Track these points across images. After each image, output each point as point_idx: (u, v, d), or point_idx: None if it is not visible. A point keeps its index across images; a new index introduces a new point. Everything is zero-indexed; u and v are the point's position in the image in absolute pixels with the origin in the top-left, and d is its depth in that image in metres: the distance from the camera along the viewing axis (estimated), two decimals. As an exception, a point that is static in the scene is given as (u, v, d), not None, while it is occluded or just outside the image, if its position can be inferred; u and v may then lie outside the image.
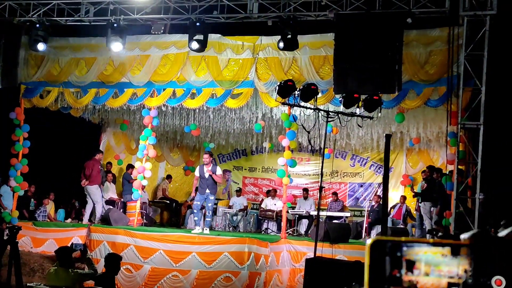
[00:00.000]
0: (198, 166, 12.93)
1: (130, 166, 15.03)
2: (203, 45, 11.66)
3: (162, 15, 12.29)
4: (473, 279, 1.52)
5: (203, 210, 12.73)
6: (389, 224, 13.93)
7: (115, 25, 11.93)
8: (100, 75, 12.99)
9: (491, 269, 1.52)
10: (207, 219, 12.37)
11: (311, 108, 8.97)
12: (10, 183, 13.32)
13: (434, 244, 1.54)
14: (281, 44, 11.19)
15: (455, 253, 1.52)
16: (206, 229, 12.19)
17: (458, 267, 1.51)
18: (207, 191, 12.30)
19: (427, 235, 12.34)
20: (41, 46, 12.43)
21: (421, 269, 1.52)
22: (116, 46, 12.04)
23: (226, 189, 17.16)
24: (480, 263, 1.51)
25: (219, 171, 12.53)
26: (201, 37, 11.57)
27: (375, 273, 1.57)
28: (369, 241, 1.67)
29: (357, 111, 9.22)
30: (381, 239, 1.61)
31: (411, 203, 15.01)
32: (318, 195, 8.80)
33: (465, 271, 1.51)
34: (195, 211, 12.49)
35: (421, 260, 1.53)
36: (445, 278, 1.51)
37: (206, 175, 12.29)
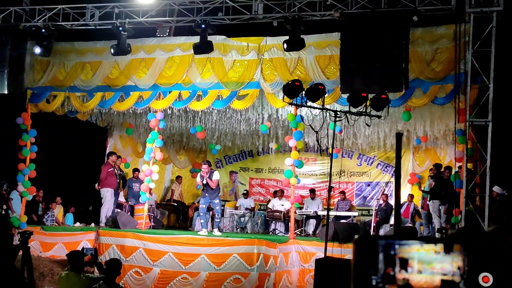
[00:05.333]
0: (199, 173, 12.79)
1: (136, 170, 14.97)
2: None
3: (167, 18, 12.30)
4: (461, 277, 1.48)
5: (211, 212, 12.74)
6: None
7: (120, 28, 11.94)
8: (105, 78, 13.01)
9: (479, 265, 1.49)
10: (216, 220, 12.36)
11: (319, 108, 8.94)
12: (18, 188, 13.33)
13: (427, 241, 1.51)
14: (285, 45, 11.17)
15: (448, 250, 1.48)
16: (215, 231, 12.18)
17: (451, 264, 1.47)
18: (206, 194, 12.29)
19: (436, 234, 12.29)
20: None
21: (414, 267, 1.48)
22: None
23: (233, 190, 17.16)
24: (469, 260, 1.48)
25: (215, 176, 12.28)
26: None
27: (362, 270, 1.53)
28: (356, 236, 1.63)
29: (365, 109, 9.17)
30: (368, 236, 1.59)
31: (419, 201, 14.96)
32: (328, 195, 8.76)
33: (458, 268, 1.47)
34: (201, 214, 12.47)
35: (414, 258, 1.48)
36: (438, 275, 1.48)
37: (204, 182, 12.21)
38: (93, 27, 12.78)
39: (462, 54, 10.44)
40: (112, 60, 12.90)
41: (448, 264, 1.48)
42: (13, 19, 12.78)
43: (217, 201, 12.35)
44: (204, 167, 12.36)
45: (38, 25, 12.60)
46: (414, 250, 1.49)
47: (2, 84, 12.77)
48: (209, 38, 11.78)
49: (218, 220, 12.58)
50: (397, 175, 5.19)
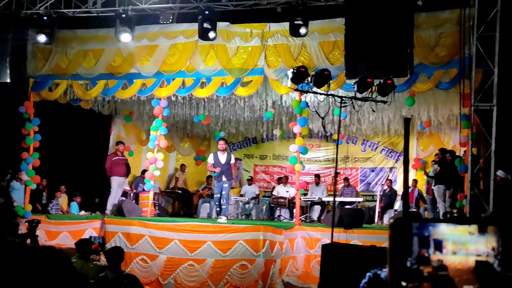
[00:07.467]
0: (212, 153, 12.78)
1: (144, 171, 14.67)
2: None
3: (170, 4, 12.22)
4: (495, 257, 1.48)
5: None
6: (402, 208, 13.90)
7: (123, 15, 11.87)
8: (108, 66, 12.96)
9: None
10: (223, 207, 12.19)
11: (325, 94, 8.91)
12: (22, 177, 13.31)
13: (461, 222, 1.51)
14: (303, 30, 11.09)
15: (482, 231, 1.48)
16: (223, 218, 12.03)
17: (485, 245, 1.47)
18: (224, 178, 12.18)
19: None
20: None
21: (448, 248, 1.49)
22: (125, 37, 12.03)
23: (237, 177, 17.17)
24: (503, 241, 1.47)
25: (233, 159, 12.46)
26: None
27: (397, 253, 1.54)
28: (391, 221, 1.63)
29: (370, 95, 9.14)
30: (403, 219, 1.58)
31: (423, 186, 14.98)
32: (334, 181, 8.76)
33: (493, 249, 1.47)
34: (217, 203, 12.44)
35: (449, 239, 1.49)
36: (472, 256, 1.48)
37: (222, 161, 12.22)
38: (96, 14, 12.71)
39: (466, 39, 10.40)
40: (115, 48, 12.84)
41: (483, 245, 1.48)
42: (14, 6, 12.69)
43: (226, 185, 12.18)
44: (221, 142, 12.53)
45: (39, 12, 12.53)
46: (449, 232, 1.49)
47: (4, 73, 12.71)
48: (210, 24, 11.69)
49: (225, 207, 12.36)
50: (406, 160, 5.19)
